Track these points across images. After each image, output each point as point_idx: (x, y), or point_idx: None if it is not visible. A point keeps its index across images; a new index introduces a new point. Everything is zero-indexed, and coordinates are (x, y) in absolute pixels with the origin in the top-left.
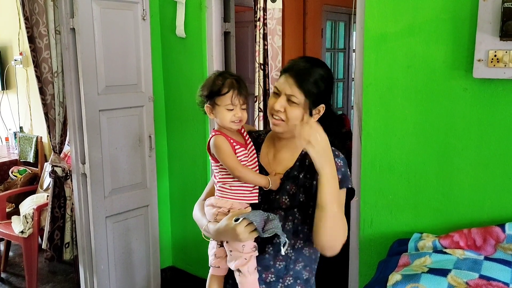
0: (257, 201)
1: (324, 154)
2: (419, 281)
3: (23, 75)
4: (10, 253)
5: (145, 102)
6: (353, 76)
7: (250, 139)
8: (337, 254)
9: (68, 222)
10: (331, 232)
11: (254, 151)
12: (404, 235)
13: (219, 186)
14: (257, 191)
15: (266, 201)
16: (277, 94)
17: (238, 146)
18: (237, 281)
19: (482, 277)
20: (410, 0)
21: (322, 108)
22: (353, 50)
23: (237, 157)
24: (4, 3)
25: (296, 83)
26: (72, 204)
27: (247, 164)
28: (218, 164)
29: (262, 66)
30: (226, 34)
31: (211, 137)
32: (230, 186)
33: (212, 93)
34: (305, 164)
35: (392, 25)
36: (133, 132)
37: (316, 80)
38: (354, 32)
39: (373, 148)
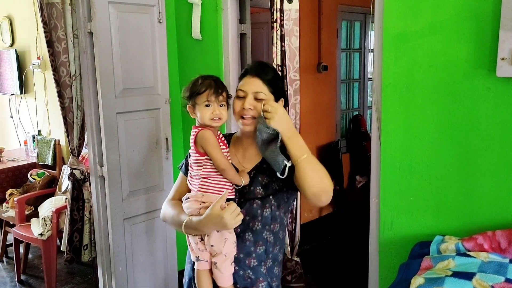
0: (233, 197)
1: (281, 120)
2: (443, 284)
3: (41, 79)
4: (29, 255)
5: (161, 104)
6: (369, 76)
7: (225, 140)
8: (357, 256)
9: (86, 225)
10: (314, 178)
11: (228, 151)
12: (426, 237)
13: (202, 180)
14: (233, 187)
15: (241, 195)
16: (241, 97)
17: (221, 144)
18: (213, 275)
19: (508, 280)
20: None
21: (281, 101)
22: (369, 50)
23: None
24: (22, 8)
25: (261, 80)
26: (91, 206)
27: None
28: (204, 158)
29: (280, 67)
30: (242, 36)
31: (198, 131)
32: (213, 180)
33: (192, 93)
34: None
35: (412, 24)
36: (150, 134)
37: (274, 76)
38: (370, 32)
39: (392, 149)
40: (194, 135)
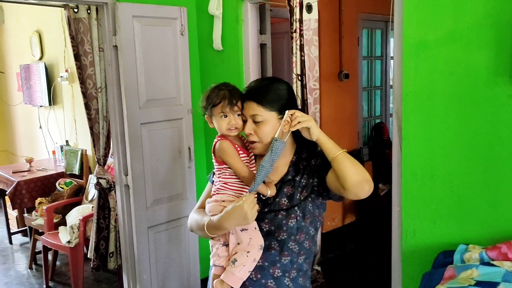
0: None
1: (317, 125)
2: None
3: (69, 91)
4: (57, 263)
5: (184, 114)
6: (391, 84)
7: (251, 148)
8: (380, 265)
9: (112, 232)
10: (354, 169)
11: (254, 159)
12: (449, 246)
13: (221, 186)
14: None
15: (266, 204)
16: (244, 121)
17: (241, 152)
18: (226, 269)
19: None
20: (450, 7)
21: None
22: (391, 57)
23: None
24: (51, 23)
25: (255, 102)
26: (116, 214)
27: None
28: (222, 167)
29: (299, 77)
30: (262, 46)
31: (217, 142)
32: (231, 186)
33: (208, 105)
34: (299, 168)
35: (431, 32)
36: (173, 144)
37: (271, 91)
38: (391, 39)
39: (414, 157)
40: (213, 145)
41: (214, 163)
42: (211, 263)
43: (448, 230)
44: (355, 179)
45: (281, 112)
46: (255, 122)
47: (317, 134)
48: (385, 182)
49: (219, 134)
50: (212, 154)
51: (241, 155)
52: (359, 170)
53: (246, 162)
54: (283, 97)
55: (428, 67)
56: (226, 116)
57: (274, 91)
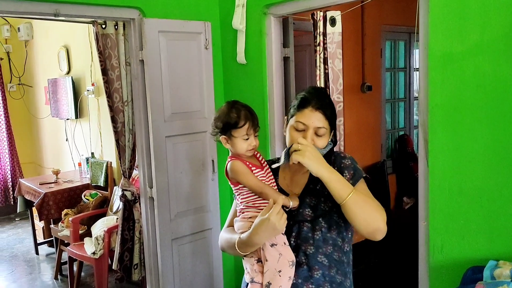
0: None
1: (314, 159)
2: None
3: (95, 104)
4: (82, 273)
5: (208, 127)
6: (415, 95)
7: (265, 162)
8: (406, 280)
9: (136, 244)
10: (363, 218)
11: (270, 172)
12: (478, 262)
13: (244, 206)
14: None
15: (290, 216)
16: (299, 129)
17: (254, 168)
18: None
19: None
20: (477, 18)
21: (331, 134)
22: (414, 69)
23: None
24: (78, 38)
25: (324, 116)
26: (141, 226)
27: (265, 183)
28: (238, 187)
29: None
30: (285, 59)
31: (228, 163)
32: (253, 204)
33: (228, 126)
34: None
35: (457, 44)
36: (196, 156)
37: (333, 110)
38: (415, 51)
39: (441, 171)
40: (225, 168)
41: (230, 185)
42: (247, 279)
43: (477, 245)
44: (367, 231)
45: (331, 128)
46: (317, 134)
47: (315, 171)
48: (410, 195)
49: (230, 154)
50: (226, 177)
51: (255, 171)
52: (368, 220)
53: (262, 177)
54: (335, 112)
55: (455, 80)
56: (248, 138)
57: (332, 105)
